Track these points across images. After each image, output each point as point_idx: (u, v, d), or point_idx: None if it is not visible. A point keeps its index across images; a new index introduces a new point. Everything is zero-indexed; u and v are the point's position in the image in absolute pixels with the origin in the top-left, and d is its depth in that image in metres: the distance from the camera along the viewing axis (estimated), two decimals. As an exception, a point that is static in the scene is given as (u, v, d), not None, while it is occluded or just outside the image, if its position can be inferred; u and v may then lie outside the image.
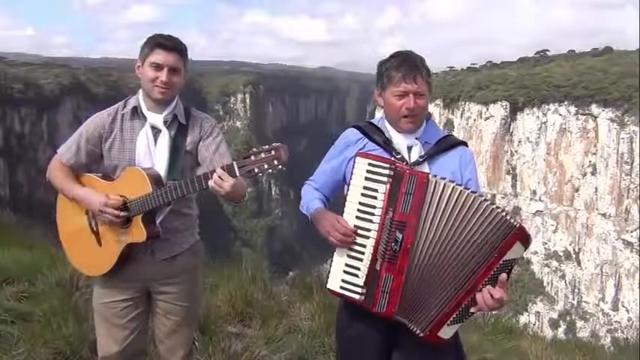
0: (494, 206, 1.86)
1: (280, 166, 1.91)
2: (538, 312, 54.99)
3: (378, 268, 1.93)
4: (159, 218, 2.19)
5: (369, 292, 1.95)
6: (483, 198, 1.89)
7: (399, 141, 2.08)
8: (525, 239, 1.88)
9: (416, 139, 2.08)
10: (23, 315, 3.52)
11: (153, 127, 2.22)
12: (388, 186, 1.91)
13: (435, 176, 1.92)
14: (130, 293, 2.28)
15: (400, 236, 1.89)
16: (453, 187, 1.88)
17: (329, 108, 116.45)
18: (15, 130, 64.31)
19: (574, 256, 55.97)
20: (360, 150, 2.08)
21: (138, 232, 2.15)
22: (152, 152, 2.20)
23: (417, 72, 2.03)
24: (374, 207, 1.93)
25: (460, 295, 1.89)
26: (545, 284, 57.44)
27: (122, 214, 2.14)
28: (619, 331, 45.48)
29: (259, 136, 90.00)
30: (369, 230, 1.94)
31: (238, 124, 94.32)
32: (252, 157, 1.92)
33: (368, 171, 1.95)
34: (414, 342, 2.00)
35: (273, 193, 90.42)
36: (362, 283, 1.95)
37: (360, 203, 1.96)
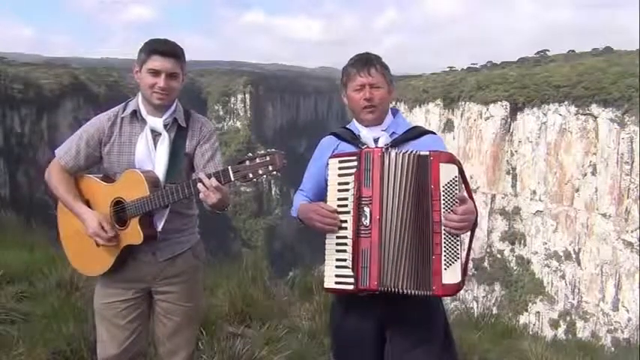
0: (419, 154, 1.94)
1: (275, 172, 1.93)
2: (538, 312, 54.92)
3: (358, 248, 1.97)
4: (160, 221, 2.19)
5: (355, 276, 1.97)
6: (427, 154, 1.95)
7: (366, 134, 2.17)
8: (447, 158, 1.94)
9: (382, 130, 2.16)
10: (23, 315, 3.52)
11: (153, 131, 2.22)
12: (355, 172, 1.99)
13: (390, 148, 2.00)
14: (131, 294, 2.29)
15: (367, 210, 1.96)
16: (410, 153, 1.95)
17: (329, 108, 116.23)
18: (15, 130, 64.22)
19: (574, 256, 55.89)
20: (333, 151, 2.16)
21: (135, 234, 2.16)
22: (152, 156, 2.21)
23: (370, 65, 2.14)
24: (347, 199, 2.00)
25: (431, 238, 1.93)
26: (545, 284, 57.37)
27: (112, 242, 2.18)
28: (619, 331, 45.47)
29: (259, 136, 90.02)
30: (346, 221, 2.00)
31: (238, 124, 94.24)
32: (247, 163, 1.94)
33: (340, 168, 2.04)
34: (406, 331, 2.05)
35: (273, 193, 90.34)
36: (351, 272, 1.98)
37: (338, 199, 2.03)
